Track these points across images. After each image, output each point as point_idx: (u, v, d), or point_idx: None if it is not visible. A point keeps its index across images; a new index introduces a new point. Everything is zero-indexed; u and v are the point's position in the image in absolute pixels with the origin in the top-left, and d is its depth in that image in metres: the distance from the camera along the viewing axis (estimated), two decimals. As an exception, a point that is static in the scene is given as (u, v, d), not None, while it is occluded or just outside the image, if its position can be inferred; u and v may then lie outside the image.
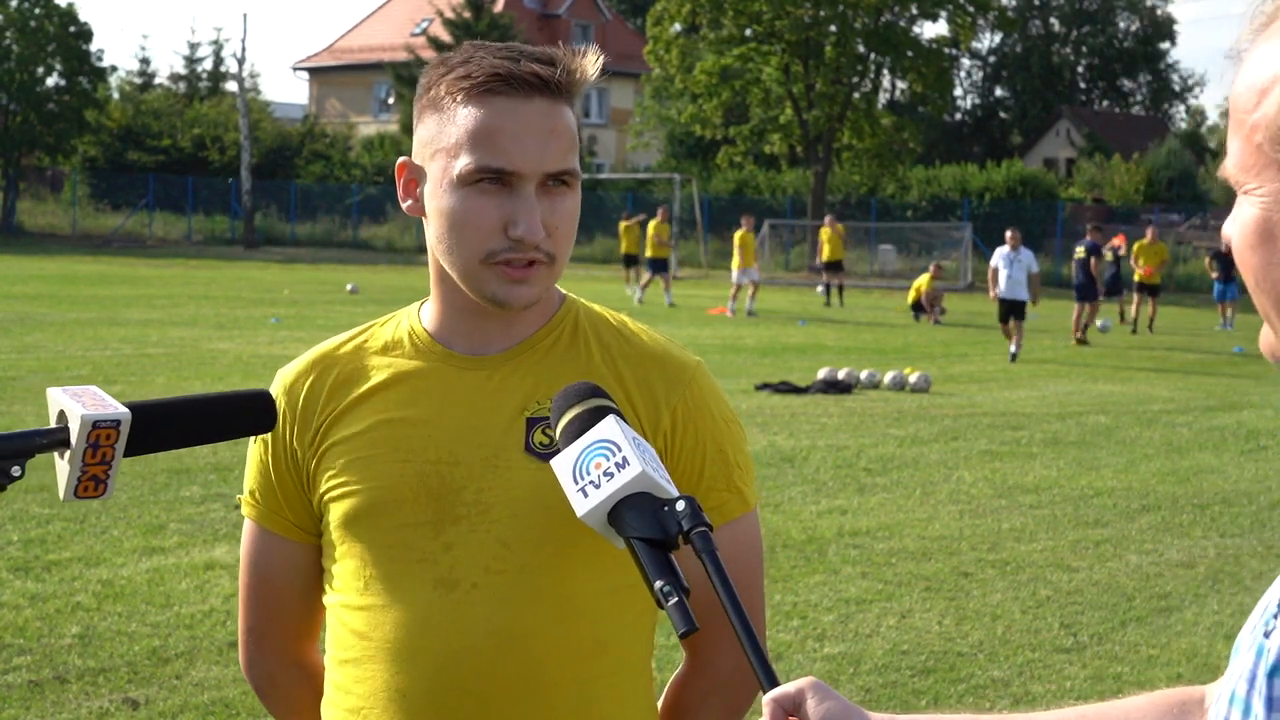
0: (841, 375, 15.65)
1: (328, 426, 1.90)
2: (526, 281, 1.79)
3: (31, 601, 6.53)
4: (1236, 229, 1.19)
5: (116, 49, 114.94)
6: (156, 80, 63.85)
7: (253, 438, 1.95)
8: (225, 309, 22.87)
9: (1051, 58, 72.28)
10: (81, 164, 50.82)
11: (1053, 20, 73.81)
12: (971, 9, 45.12)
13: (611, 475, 1.48)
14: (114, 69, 52.79)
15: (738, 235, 27.13)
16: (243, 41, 51.06)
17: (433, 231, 1.83)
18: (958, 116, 70.65)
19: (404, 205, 1.89)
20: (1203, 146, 62.87)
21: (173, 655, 5.88)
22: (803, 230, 42.91)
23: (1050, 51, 72.63)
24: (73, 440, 1.47)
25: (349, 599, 1.88)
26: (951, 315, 27.39)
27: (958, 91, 67.69)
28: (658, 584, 1.42)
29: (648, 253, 29.19)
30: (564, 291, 1.97)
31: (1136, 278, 26.26)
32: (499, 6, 54.30)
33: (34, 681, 5.51)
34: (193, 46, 74.49)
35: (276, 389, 1.92)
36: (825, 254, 30.96)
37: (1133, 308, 26.47)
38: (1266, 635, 1.18)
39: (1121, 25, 74.21)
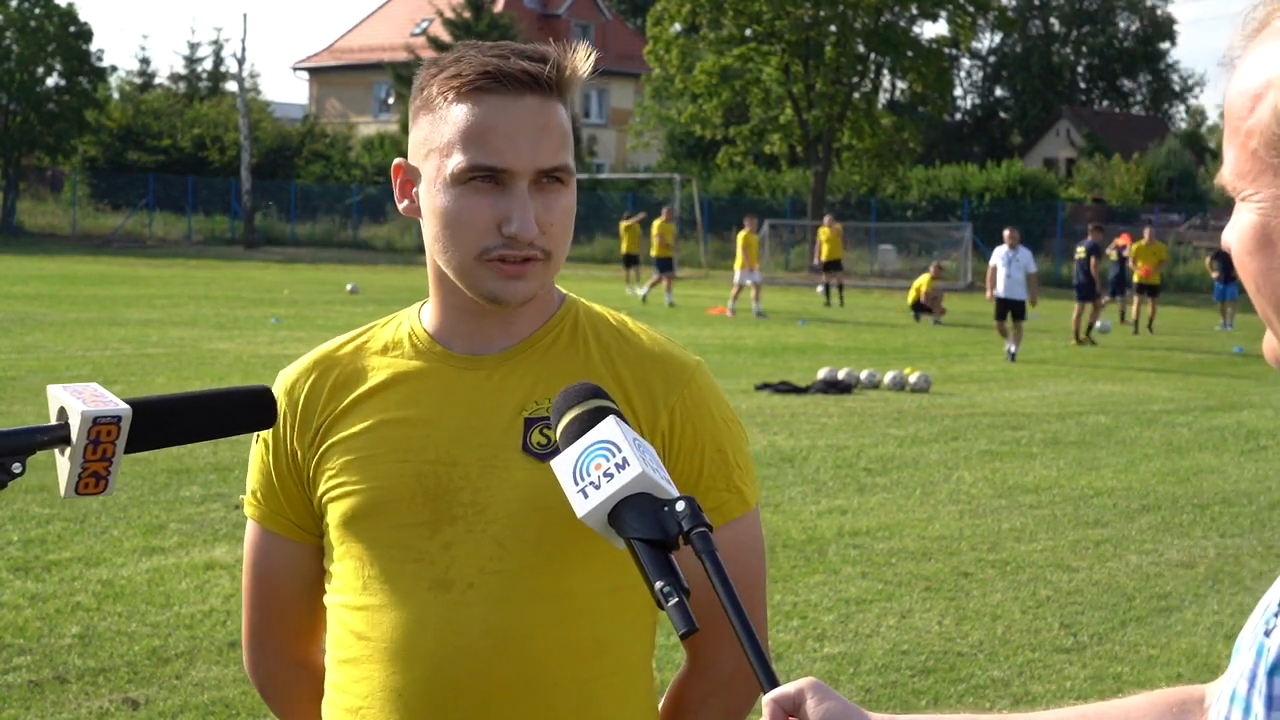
0: (841, 375, 15.65)
1: (328, 427, 1.91)
2: (523, 277, 1.80)
3: (31, 601, 6.53)
4: (1235, 236, 1.19)
5: (116, 49, 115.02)
6: (156, 80, 63.87)
7: (255, 439, 1.96)
8: (225, 309, 22.87)
9: (1051, 58, 72.28)
10: (81, 164, 50.83)
11: (1053, 20, 73.81)
12: (971, 9, 45.12)
13: (612, 476, 1.48)
14: (114, 69, 52.84)
15: (741, 236, 27.14)
16: (243, 41, 51.11)
17: (429, 231, 1.84)
18: (958, 116, 70.65)
19: (400, 206, 1.89)
20: (1203, 146, 62.86)
21: (173, 655, 5.88)
22: (803, 230, 42.91)
23: (1050, 51, 72.63)
24: (73, 437, 1.47)
25: (348, 599, 1.88)
26: (951, 315, 27.39)
27: (958, 91, 67.71)
28: (658, 585, 1.42)
29: (653, 252, 29.20)
30: (564, 291, 1.97)
31: (1135, 278, 26.29)
32: (499, 6, 54.31)
33: (34, 681, 5.51)
34: (193, 46, 74.51)
35: (277, 390, 1.93)
36: (824, 254, 30.97)
37: (1133, 308, 26.47)
38: (1267, 634, 1.18)
39: (1121, 25, 74.21)
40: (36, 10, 47.33)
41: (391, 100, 57.43)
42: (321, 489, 1.90)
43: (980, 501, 9.58)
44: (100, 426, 1.47)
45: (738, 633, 1.38)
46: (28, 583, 6.81)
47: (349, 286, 29.07)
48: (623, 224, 32.41)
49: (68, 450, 1.48)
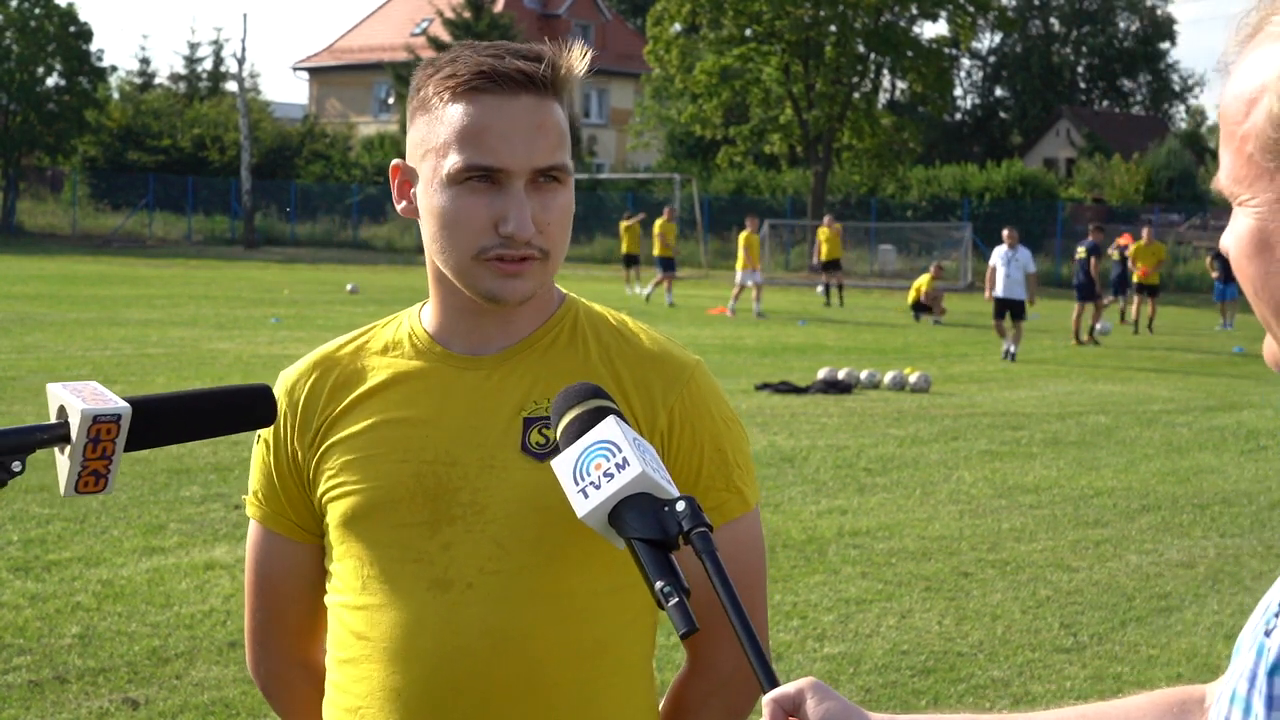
0: (841, 375, 15.65)
1: (328, 427, 1.91)
2: (520, 276, 1.80)
3: (31, 601, 6.53)
4: (1233, 241, 1.19)
5: (116, 49, 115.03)
6: (156, 80, 63.87)
7: (256, 440, 1.97)
8: (225, 309, 22.87)
9: (1051, 58, 72.27)
10: (81, 164, 50.83)
11: (1053, 20, 73.81)
12: (971, 9, 45.12)
13: (612, 476, 1.48)
14: (114, 69, 52.83)
15: (742, 236, 27.16)
16: (243, 41, 51.10)
17: (426, 231, 1.84)
18: (958, 116, 70.65)
19: (398, 207, 1.90)
20: (1203, 146, 62.83)
21: (173, 655, 5.88)
22: (802, 230, 42.91)
23: (1050, 51, 72.62)
24: (73, 435, 1.47)
25: (348, 599, 1.88)
26: (951, 315, 27.39)
27: (958, 91, 67.71)
28: (658, 585, 1.42)
29: (655, 251, 29.20)
30: (564, 291, 1.97)
31: (1135, 278, 26.30)
32: (499, 6, 54.30)
33: (34, 681, 5.51)
34: (193, 46, 74.50)
35: (278, 390, 1.93)
36: (823, 253, 30.98)
37: (1133, 308, 26.47)
38: (1267, 634, 1.18)
39: (1121, 25, 74.21)
40: (36, 10, 47.32)
41: (391, 100, 57.44)
42: (321, 489, 1.90)
43: (980, 501, 9.58)
44: (100, 425, 1.47)
45: (737, 633, 1.38)
46: (28, 583, 6.81)
47: (349, 286, 29.07)
48: (623, 224, 32.43)
49: (67, 449, 1.48)
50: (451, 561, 1.82)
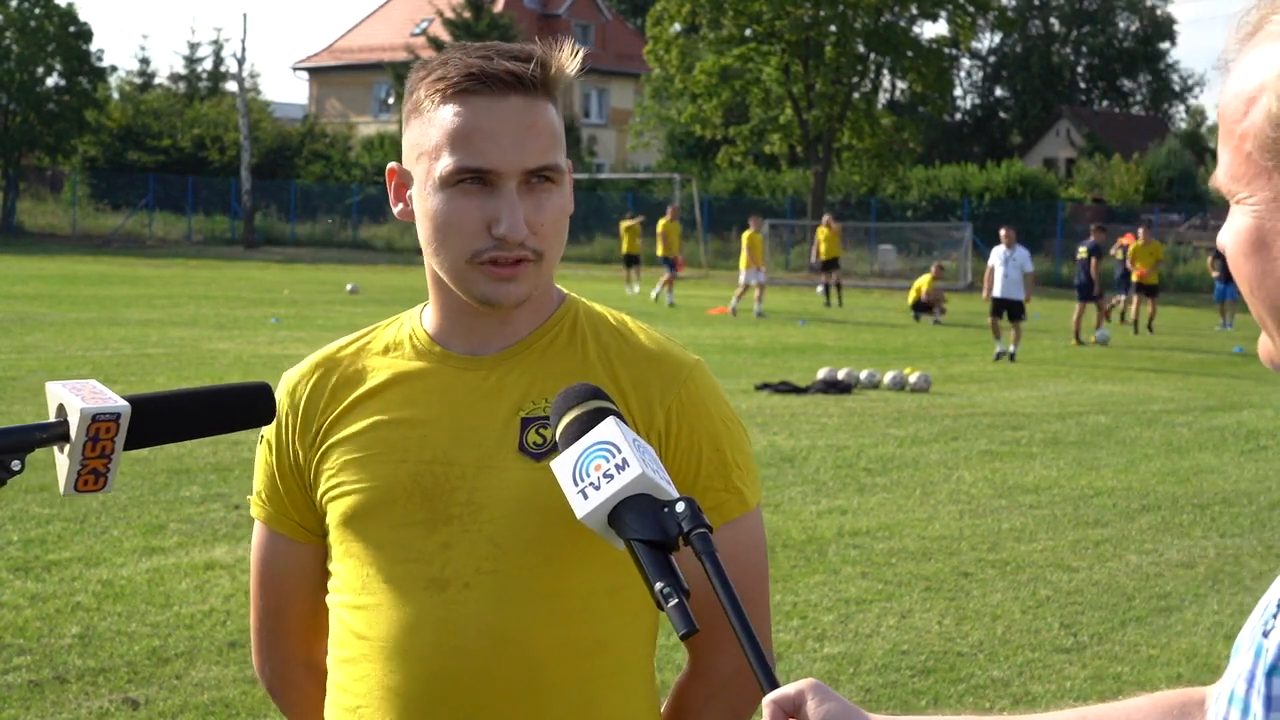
0: (841, 375, 15.65)
1: (328, 427, 1.92)
2: (514, 279, 1.80)
3: (31, 601, 6.52)
4: (1230, 238, 1.19)
5: (116, 49, 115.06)
6: (156, 80, 63.89)
7: (260, 440, 1.98)
8: (225, 309, 22.87)
9: (1051, 58, 72.27)
10: (81, 164, 50.82)
11: (1053, 20, 73.81)
12: (971, 9, 45.11)
13: (611, 477, 1.48)
14: (114, 69, 52.82)
15: (746, 235, 27.17)
16: (243, 41, 51.09)
17: (422, 234, 1.84)
18: (958, 116, 70.65)
19: (395, 210, 1.91)
20: (1203, 146, 62.84)
21: (173, 655, 5.88)
22: (802, 230, 42.90)
23: (1050, 51, 72.62)
24: (72, 434, 1.47)
25: (348, 598, 1.89)
26: (951, 315, 27.39)
27: (958, 91, 67.70)
28: (658, 586, 1.42)
29: (659, 251, 29.20)
30: (565, 291, 1.97)
31: (1133, 279, 26.30)
32: (499, 6, 54.31)
33: (34, 681, 5.51)
34: (193, 46, 74.56)
35: (280, 391, 1.94)
36: (822, 252, 30.99)
37: (1132, 308, 26.48)
38: (1265, 635, 1.18)
39: (1121, 25, 74.21)
40: (36, 10, 47.32)
41: (391, 100, 57.45)
42: (322, 489, 1.91)
43: (980, 501, 9.57)
44: (99, 423, 1.47)
45: (737, 634, 1.38)
46: (28, 583, 6.81)
47: (349, 286, 29.07)
48: (623, 224, 32.44)
49: (67, 447, 1.48)
50: (449, 561, 1.82)
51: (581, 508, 1.49)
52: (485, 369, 1.88)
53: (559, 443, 1.57)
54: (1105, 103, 74.28)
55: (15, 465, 1.46)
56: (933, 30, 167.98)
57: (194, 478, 9.24)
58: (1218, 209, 42.78)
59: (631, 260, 31.69)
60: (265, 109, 57.67)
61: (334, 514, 1.89)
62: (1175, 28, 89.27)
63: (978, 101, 73.86)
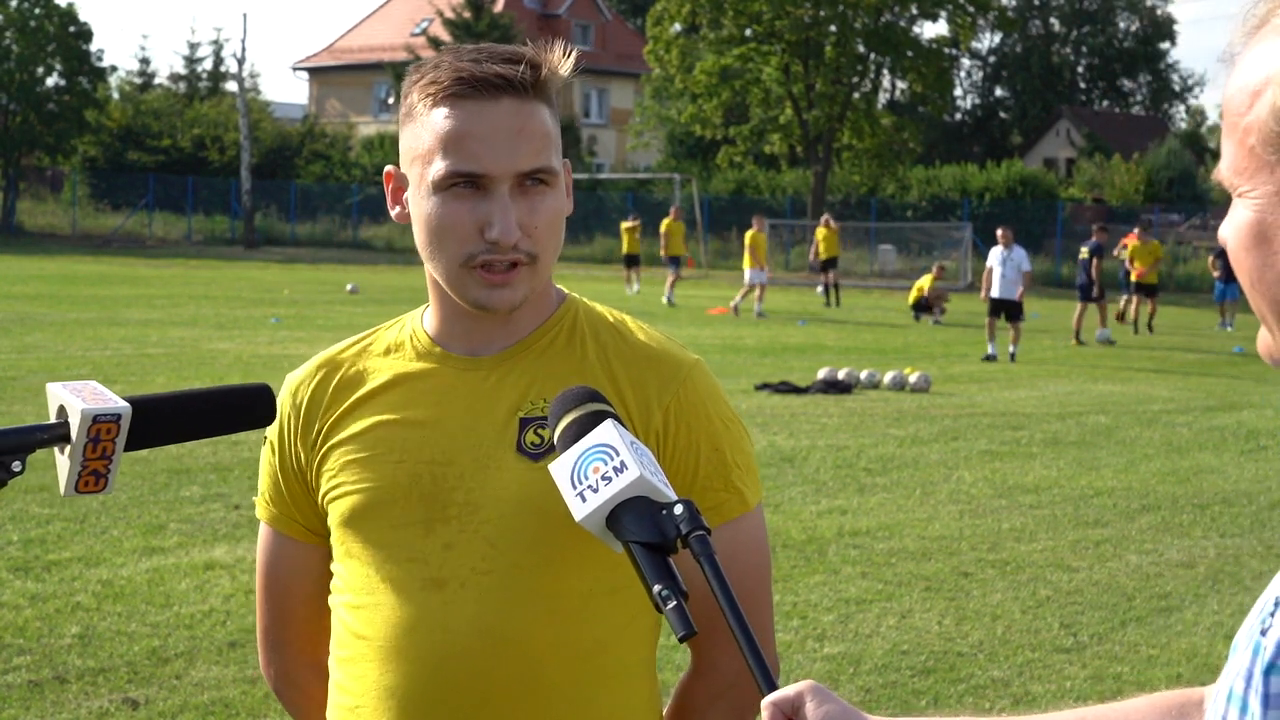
0: (841, 375, 15.65)
1: (330, 428, 1.93)
2: (508, 285, 1.81)
3: (31, 601, 6.53)
4: (1231, 232, 1.20)
5: (116, 49, 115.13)
6: (156, 80, 63.88)
7: (263, 442, 1.98)
8: (225, 309, 22.88)
9: (1051, 58, 72.28)
10: (81, 164, 50.82)
11: (1053, 20, 73.82)
12: (971, 9, 45.11)
13: (609, 479, 1.48)
14: (114, 69, 52.81)
15: (749, 235, 27.18)
16: (243, 41, 51.09)
17: (418, 238, 1.85)
18: (958, 116, 70.65)
19: (392, 213, 1.92)
20: (1203, 146, 62.86)
21: (173, 655, 5.88)
22: (802, 230, 42.89)
23: (1050, 51, 72.63)
24: (73, 435, 1.47)
25: (348, 599, 1.90)
26: (951, 315, 27.38)
27: (958, 91, 67.71)
28: (656, 588, 1.42)
29: (664, 251, 29.18)
30: (565, 291, 1.98)
31: (1132, 278, 26.30)
32: (499, 6, 54.31)
33: (34, 681, 5.51)
34: (193, 46, 74.54)
35: (283, 393, 1.96)
36: (821, 252, 30.99)
37: (1132, 308, 26.49)
38: (1263, 633, 1.18)
39: (1121, 25, 74.22)
40: (36, 10, 47.31)
41: (391, 100, 57.43)
42: (323, 490, 1.92)
43: (980, 501, 9.58)
44: (100, 424, 1.47)
45: (736, 635, 1.38)
46: (28, 583, 6.81)
47: (349, 286, 29.07)
48: (624, 225, 32.48)
49: (67, 448, 1.48)
50: (446, 561, 1.82)
51: (580, 510, 1.49)
52: (485, 369, 1.89)
53: (557, 445, 1.57)
54: (1105, 103, 74.29)
55: (16, 466, 1.47)
56: (933, 30, 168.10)
57: (194, 478, 9.25)
58: (1218, 209, 42.79)
59: (632, 260, 31.69)
60: (265, 109, 57.67)
61: (335, 514, 1.90)
62: (1175, 28, 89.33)
63: (978, 101, 73.87)
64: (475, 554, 1.82)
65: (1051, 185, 48.37)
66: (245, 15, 66.06)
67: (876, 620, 6.76)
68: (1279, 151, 1.14)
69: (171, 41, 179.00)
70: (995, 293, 20.04)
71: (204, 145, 52.18)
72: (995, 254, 20.42)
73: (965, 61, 69.80)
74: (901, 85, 59.07)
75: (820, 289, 32.18)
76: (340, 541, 1.90)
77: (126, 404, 1.49)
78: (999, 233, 20.83)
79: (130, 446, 1.50)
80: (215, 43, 65.47)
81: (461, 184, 1.78)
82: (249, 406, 1.63)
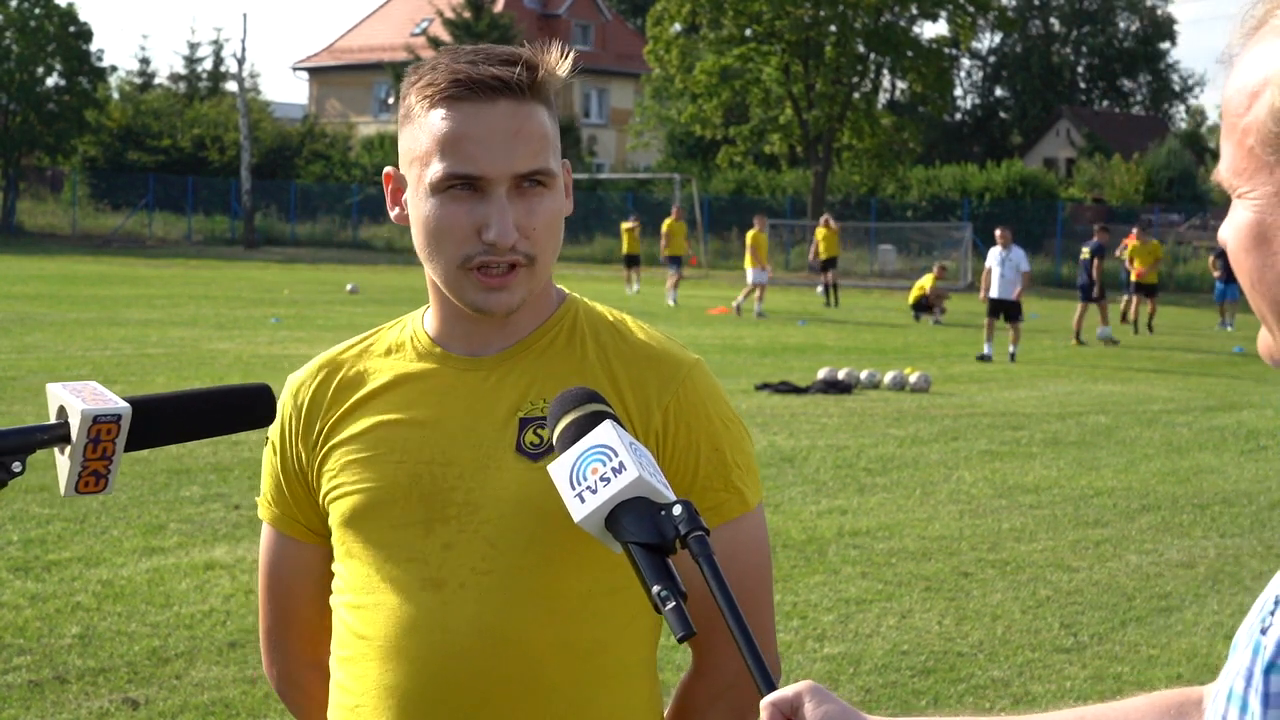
0: (841, 375, 15.65)
1: (330, 428, 1.93)
2: (506, 289, 1.81)
3: (31, 601, 6.53)
4: (1231, 233, 1.20)
5: (116, 49, 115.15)
6: (156, 80, 63.87)
7: (266, 443, 1.99)
8: (225, 309, 22.88)
9: (1051, 58, 72.28)
10: (81, 164, 50.82)
11: (1053, 20, 73.82)
12: (971, 9, 45.12)
13: (608, 480, 1.48)
14: (114, 69, 52.81)
15: (751, 235, 27.18)
16: (243, 41, 51.09)
17: (416, 240, 1.86)
18: (958, 116, 70.65)
19: (392, 215, 1.92)
20: (1203, 146, 62.85)
21: (173, 655, 5.88)
22: (802, 230, 42.90)
23: (1050, 51, 72.62)
24: (73, 435, 1.47)
25: (349, 598, 1.90)
26: (951, 315, 27.39)
27: (958, 91, 67.71)
28: (655, 589, 1.42)
29: (667, 251, 29.18)
30: (566, 290, 1.98)
31: (1132, 278, 26.30)
32: (499, 6, 54.31)
33: (34, 681, 5.51)
34: (193, 46, 74.52)
35: (285, 394, 1.97)
36: (820, 252, 31.00)
37: (1132, 308, 26.49)
38: (1263, 632, 1.18)
39: (1121, 25, 74.22)
40: (36, 10, 47.31)
41: (391, 100, 57.41)
42: (324, 490, 1.93)
43: (980, 501, 9.58)
44: (100, 425, 1.47)
45: (734, 635, 1.38)
46: (28, 583, 6.81)
47: (349, 286, 29.08)
48: (624, 226, 32.49)
49: (68, 449, 1.48)
50: (445, 561, 1.83)
51: (579, 511, 1.50)
52: (485, 370, 1.89)
53: (556, 446, 1.57)
54: (1105, 103, 74.29)
55: (16, 467, 1.47)
56: (933, 30, 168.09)
57: (194, 478, 9.25)
58: (1218, 209, 42.78)
59: (632, 261, 31.70)
60: (265, 109, 57.66)
61: (336, 514, 1.91)
62: (1175, 28, 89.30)
63: (978, 101, 73.87)
64: (475, 554, 1.82)
65: (1051, 185, 48.37)
66: (245, 15, 66.10)
67: (876, 620, 6.76)
68: (1277, 152, 1.14)
69: (171, 41, 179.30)
70: (994, 293, 20.04)
71: (204, 145, 52.18)
72: (994, 254, 20.42)
73: (965, 61, 69.85)
74: (901, 85, 59.07)
75: (820, 289, 32.18)
76: (341, 541, 1.91)
77: (127, 404, 1.49)
78: (997, 233, 20.83)
79: (130, 447, 1.50)
80: (215, 43, 65.52)
81: (458, 186, 1.78)
82: (249, 407, 1.64)
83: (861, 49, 45.17)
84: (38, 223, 48.70)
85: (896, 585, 7.39)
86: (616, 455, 1.49)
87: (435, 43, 47.03)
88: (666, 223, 29.87)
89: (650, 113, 55.97)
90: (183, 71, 64.24)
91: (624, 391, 1.87)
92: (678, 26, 45.36)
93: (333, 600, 1.94)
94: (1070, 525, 8.97)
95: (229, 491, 8.87)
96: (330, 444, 1.92)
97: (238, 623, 6.29)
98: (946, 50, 47.44)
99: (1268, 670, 1.15)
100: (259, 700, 5.36)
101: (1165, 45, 74.34)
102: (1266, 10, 1.18)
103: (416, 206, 1.83)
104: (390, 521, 1.85)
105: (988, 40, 70.85)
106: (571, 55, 1.83)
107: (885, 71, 51.93)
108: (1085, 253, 24.11)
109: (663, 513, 1.47)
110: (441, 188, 1.79)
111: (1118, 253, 27.72)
